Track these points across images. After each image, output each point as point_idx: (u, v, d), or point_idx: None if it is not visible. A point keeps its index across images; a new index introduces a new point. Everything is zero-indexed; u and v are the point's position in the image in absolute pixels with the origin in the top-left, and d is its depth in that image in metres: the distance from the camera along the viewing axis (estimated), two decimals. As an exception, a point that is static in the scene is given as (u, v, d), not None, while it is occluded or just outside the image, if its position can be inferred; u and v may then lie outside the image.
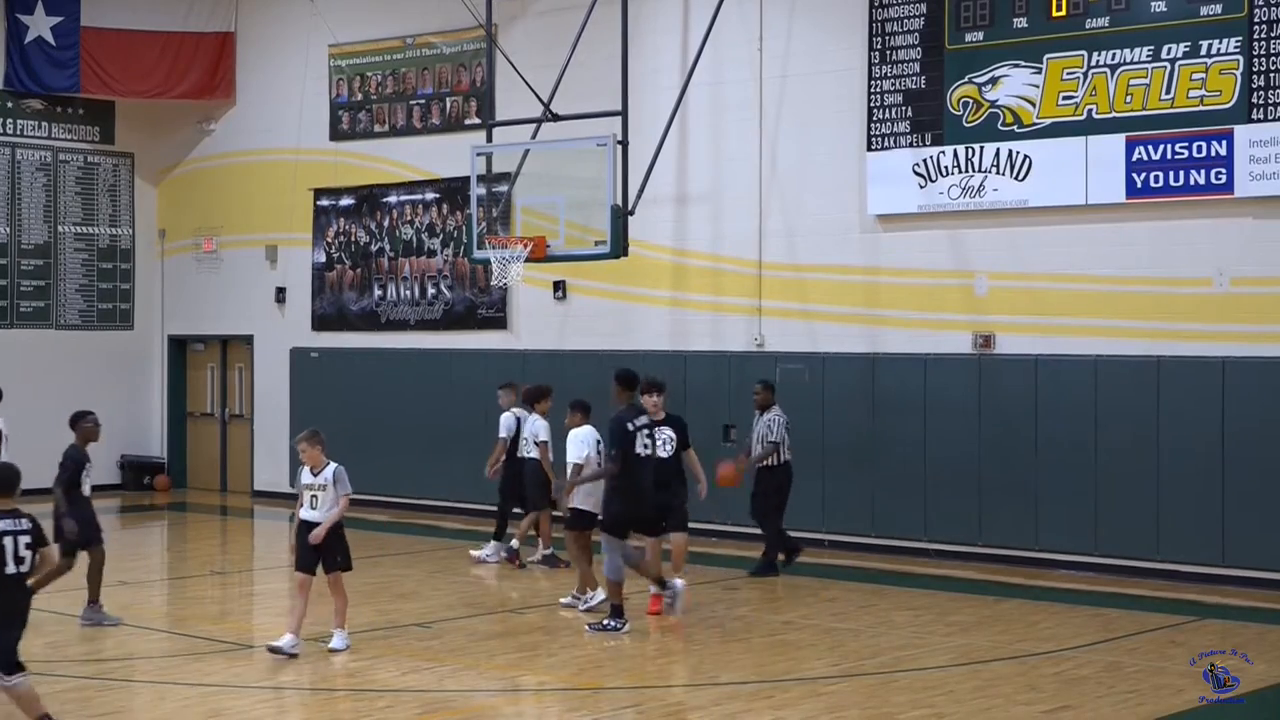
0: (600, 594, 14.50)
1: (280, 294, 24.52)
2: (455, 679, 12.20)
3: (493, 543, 17.58)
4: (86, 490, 13.88)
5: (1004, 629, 13.96)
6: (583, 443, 14.74)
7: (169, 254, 26.18)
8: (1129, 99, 16.59)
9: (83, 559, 13.72)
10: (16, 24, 24.15)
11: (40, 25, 24.24)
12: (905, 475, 18.14)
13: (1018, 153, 17.31)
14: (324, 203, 23.98)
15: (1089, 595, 15.73)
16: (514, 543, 17.34)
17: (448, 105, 22.55)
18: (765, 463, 16.91)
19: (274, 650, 12.43)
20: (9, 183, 24.56)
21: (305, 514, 12.88)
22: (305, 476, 12.94)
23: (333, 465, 12.89)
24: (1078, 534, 17.02)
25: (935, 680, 11.79)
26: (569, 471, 14.77)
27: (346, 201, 23.73)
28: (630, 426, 13.73)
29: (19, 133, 24.66)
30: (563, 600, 14.88)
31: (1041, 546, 17.27)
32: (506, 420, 17.50)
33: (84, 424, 14.08)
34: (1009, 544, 17.50)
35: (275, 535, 20.66)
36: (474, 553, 17.72)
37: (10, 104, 24.52)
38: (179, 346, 26.30)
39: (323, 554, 12.81)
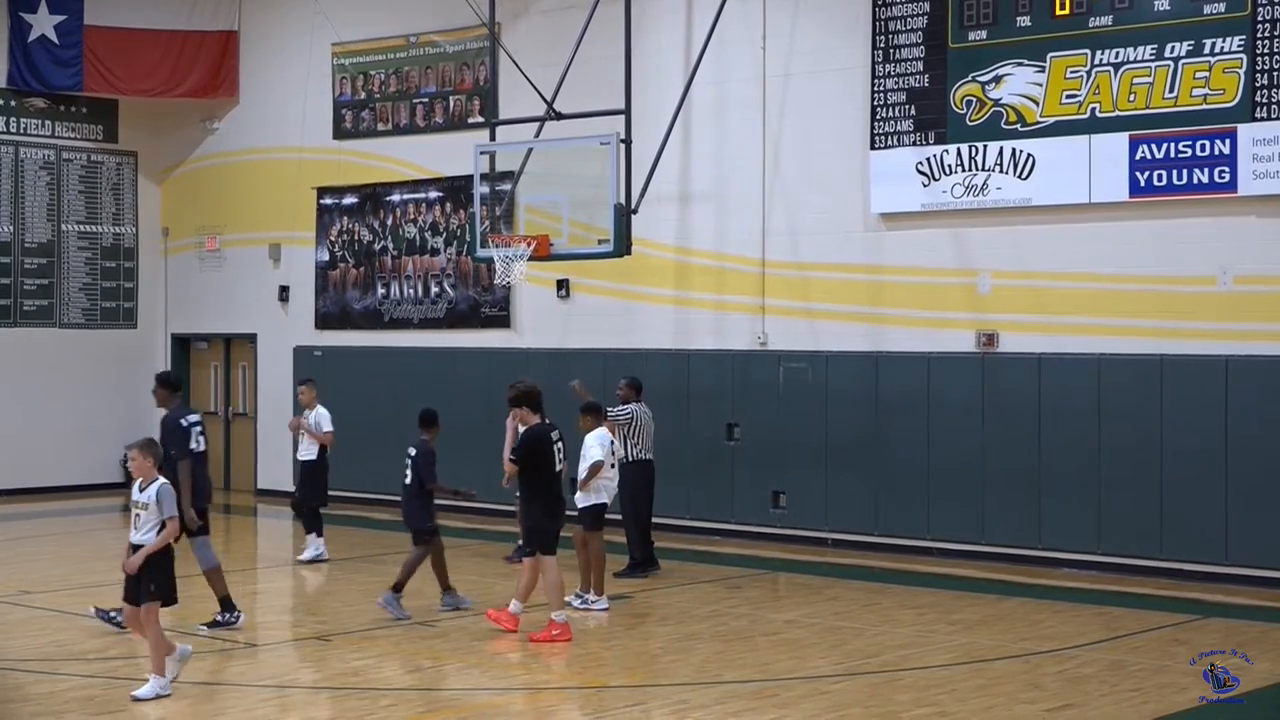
0: (604, 600, 14.63)
1: (284, 292, 24.53)
2: (459, 677, 12.21)
3: None
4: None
5: (1007, 627, 13.96)
6: (598, 443, 14.84)
7: (172, 252, 26.20)
8: (1132, 97, 16.58)
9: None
10: (20, 23, 24.16)
11: (44, 24, 24.25)
12: (908, 474, 18.14)
13: (1021, 151, 17.30)
14: (327, 201, 23.99)
15: (1092, 594, 15.72)
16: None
17: (451, 104, 22.56)
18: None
19: (136, 699, 10.99)
20: (13, 181, 24.57)
21: (131, 535, 11.30)
22: (135, 491, 11.32)
23: (159, 482, 11.18)
24: (1081, 532, 17.02)
25: (939, 679, 11.79)
26: (584, 472, 14.84)
27: (350, 200, 23.73)
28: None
29: (22, 131, 24.67)
30: (565, 599, 14.87)
31: (1044, 545, 17.27)
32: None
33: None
34: (1012, 542, 17.49)
35: (279, 534, 20.67)
36: None
37: (14, 103, 24.54)
38: (182, 345, 26.31)
39: (138, 582, 11.20)
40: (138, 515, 11.15)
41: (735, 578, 16.86)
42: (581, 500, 14.93)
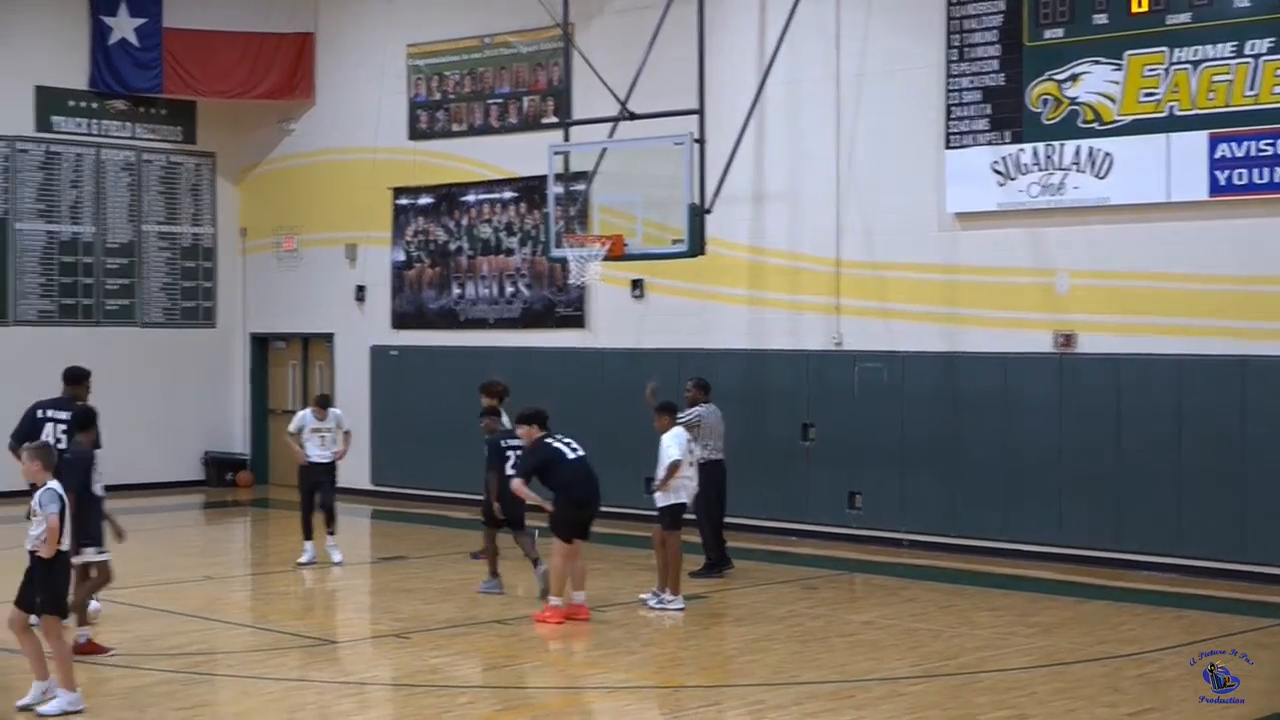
0: (680, 600, 14.66)
1: (360, 292, 24.70)
2: (534, 676, 12.27)
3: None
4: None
5: (1086, 630, 13.87)
6: (675, 442, 14.83)
7: (250, 252, 26.44)
8: (1211, 95, 16.42)
9: None
10: (101, 26, 24.47)
11: (124, 27, 24.55)
12: (985, 475, 18.05)
13: (1098, 150, 17.18)
14: (403, 201, 24.14)
15: (1172, 597, 15.60)
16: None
17: (525, 104, 22.64)
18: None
19: (22, 707, 10.61)
20: (94, 182, 24.88)
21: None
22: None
23: (48, 485, 10.57)
24: (1160, 534, 16.87)
25: (1017, 681, 11.73)
26: (663, 472, 14.84)
27: (425, 200, 23.87)
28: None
29: (104, 133, 24.97)
30: (642, 597, 14.91)
31: (1123, 547, 17.13)
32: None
33: None
34: (1090, 544, 17.37)
35: (355, 532, 20.80)
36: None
37: (95, 105, 24.84)
38: (261, 344, 26.55)
39: (30, 588, 10.63)
40: (31, 519, 10.62)
41: (811, 578, 16.84)
42: (660, 500, 14.93)
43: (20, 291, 24.09)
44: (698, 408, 16.52)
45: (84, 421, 13.12)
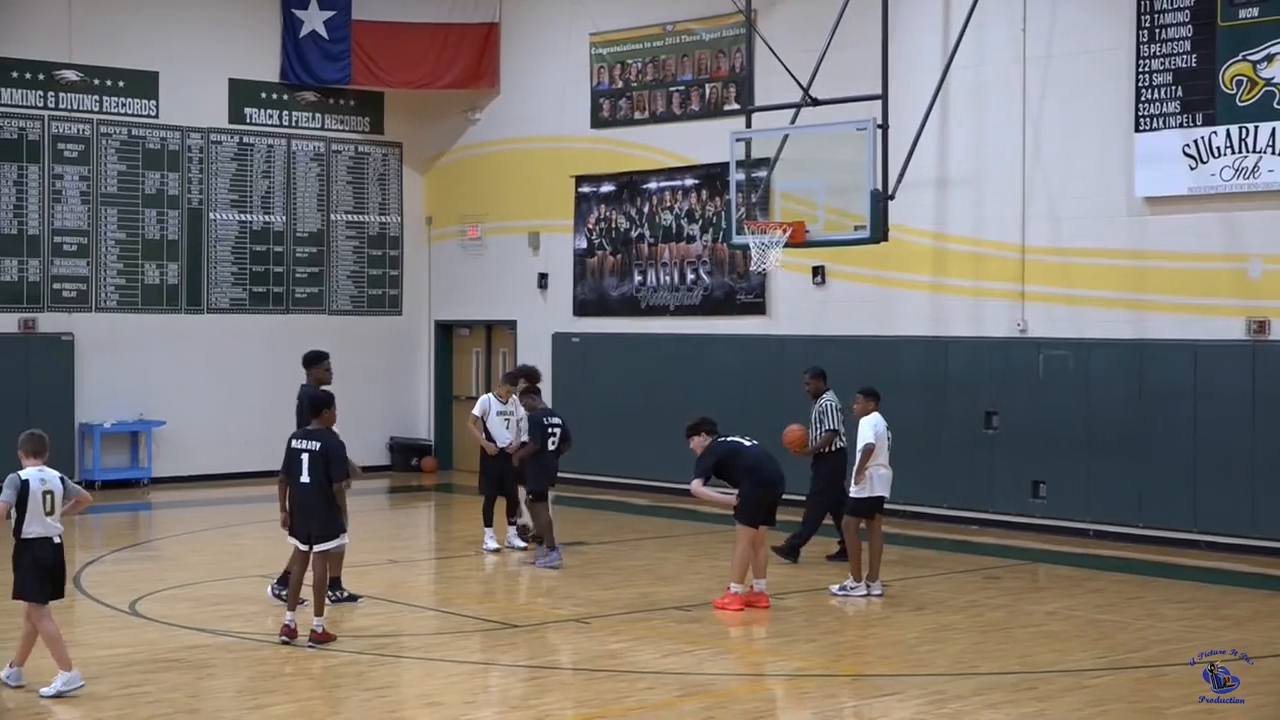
0: (862, 586, 14.57)
1: (542, 280, 24.93)
2: (714, 662, 12.28)
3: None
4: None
5: (1278, 624, 13.51)
6: (870, 428, 14.73)
7: (435, 241, 26.82)
8: None
9: None
10: (292, 19, 25.01)
11: (314, 20, 25.07)
12: (1174, 464, 17.68)
13: (1295, 132, 16.73)
14: (585, 189, 24.30)
15: (1369, 591, 15.17)
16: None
17: (707, 91, 22.66)
18: (824, 450, 16.45)
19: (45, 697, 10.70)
20: (285, 173, 25.44)
21: None
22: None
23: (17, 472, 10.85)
24: (1358, 527, 16.41)
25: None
26: (859, 457, 14.74)
27: (607, 188, 24.01)
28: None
29: (294, 124, 25.51)
30: (833, 589, 14.83)
31: (1318, 540, 16.70)
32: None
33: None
34: (1284, 536, 16.95)
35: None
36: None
37: (286, 97, 25.39)
38: (445, 331, 26.93)
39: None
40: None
41: (993, 568, 16.64)
42: (854, 491, 14.82)
43: (214, 280, 24.72)
44: (822, 397, 16.40)
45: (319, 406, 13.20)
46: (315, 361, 14.89)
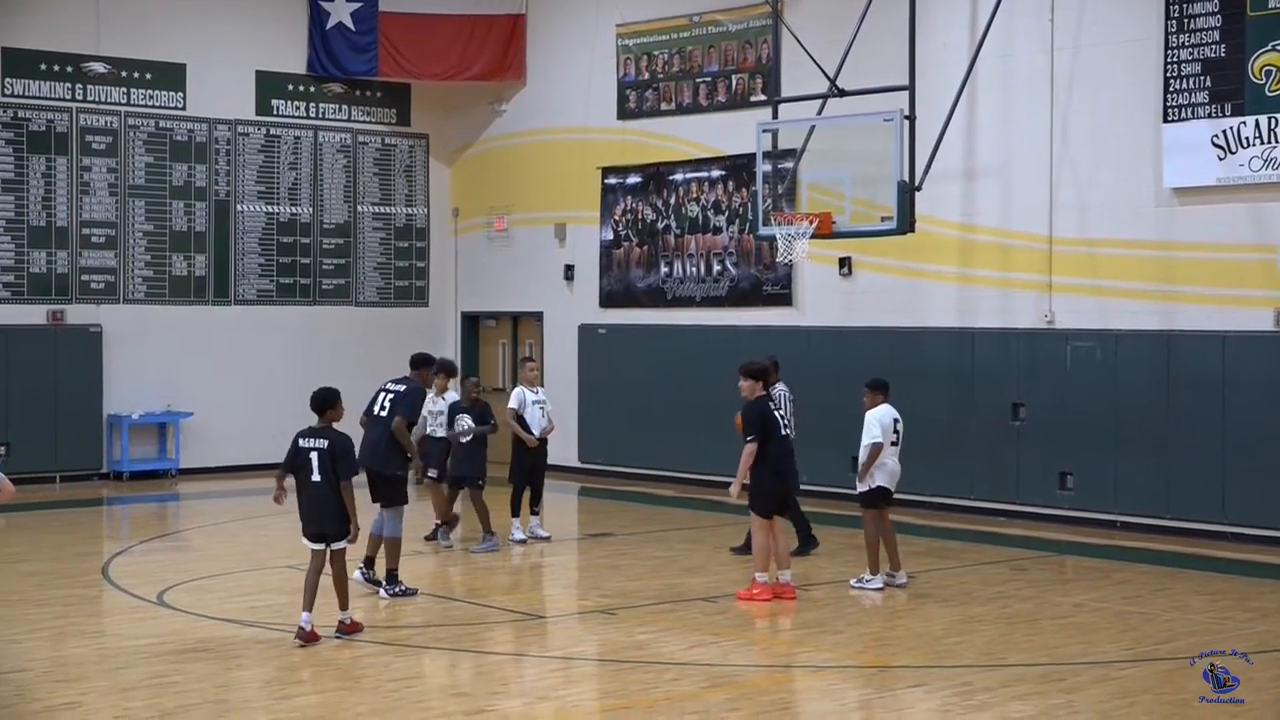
0: (878, 579, 14.54)
1: (569, 271, 24.94)
2: (740, 654, 12.29)
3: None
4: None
5: (1307, 616, 13.50)
6: (877, 422, 14.64)
7: (462, 232, 26.85)
8: None
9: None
10: (319, 11, 25.07)
11: (341, 11, 25.11)
12: (1202, 455, 17.62)
13: (1325, 122, 16.64)
14: (611, 181, 24.31)
15: (1399, 583, 15.09)
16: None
17: (733, 82, 22.64)
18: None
19: None
20: (312, 164, 25.50)
21: None
22: None
23: None
24: (1387, 519, 16.33)
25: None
26: (866, 451, 14.65)
27: (634, 180, 24.01)
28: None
29: (320, 116, 25.57)
30: (851, 582, 14.81)
31: (1348, 531, 16.62)
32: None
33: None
34: (1313, 528, 16.89)
35: (562, 508, 21.04)
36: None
37: (313, 88, 25.45)
38: (472, 323, 26.96)
39: None
40: None
41: (1020, 559, 16.61)
42: (860, 487, 14.77)
43: (241, 272, 24.79)
44: (779, 386, 16.08)
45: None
46: (423, 364, 15.48)
